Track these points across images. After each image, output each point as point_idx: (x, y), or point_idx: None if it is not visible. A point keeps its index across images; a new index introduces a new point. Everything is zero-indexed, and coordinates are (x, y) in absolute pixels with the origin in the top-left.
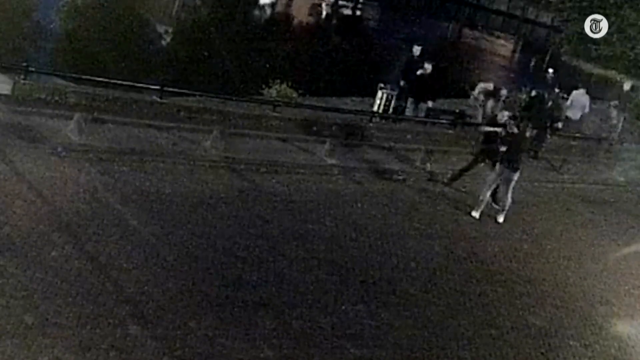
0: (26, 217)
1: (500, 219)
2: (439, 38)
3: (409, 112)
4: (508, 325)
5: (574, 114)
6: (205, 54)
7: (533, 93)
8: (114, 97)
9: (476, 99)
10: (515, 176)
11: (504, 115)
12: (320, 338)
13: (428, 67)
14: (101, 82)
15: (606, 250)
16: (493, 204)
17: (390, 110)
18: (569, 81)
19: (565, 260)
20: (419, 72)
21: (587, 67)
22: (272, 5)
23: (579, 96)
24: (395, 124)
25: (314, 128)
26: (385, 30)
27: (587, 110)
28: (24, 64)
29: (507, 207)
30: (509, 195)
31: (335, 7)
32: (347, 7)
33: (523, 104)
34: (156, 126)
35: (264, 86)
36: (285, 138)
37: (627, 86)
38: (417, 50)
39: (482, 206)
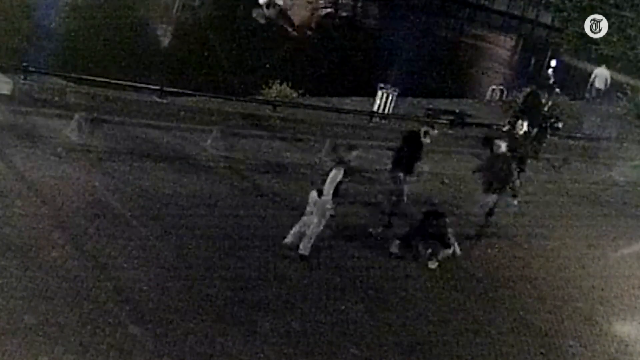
0: (26, 217)
1: None
2: (439, 37)
3: None
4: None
5: (600, 84)
6: (205, 54)
7: (527, 90)
8: (114, 97)
9: None
10: None
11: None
12: (320, 338)
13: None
14: (101, 82)
15: (606, 250)
16: None
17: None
18: (569, 81)
19: (566, 260)
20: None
21: (587, 67)
22: (272, 5)
23: (601, 71)
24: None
25: (314, 128)
26: (385, 29)
27: (609, 82)
28: (24, 64)
29: None
30: None
31: (335, 6)
32: (347, 6)
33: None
34: (156, 126)
35: (264, 86)
36: (285, 138)
37: None
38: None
39: None
